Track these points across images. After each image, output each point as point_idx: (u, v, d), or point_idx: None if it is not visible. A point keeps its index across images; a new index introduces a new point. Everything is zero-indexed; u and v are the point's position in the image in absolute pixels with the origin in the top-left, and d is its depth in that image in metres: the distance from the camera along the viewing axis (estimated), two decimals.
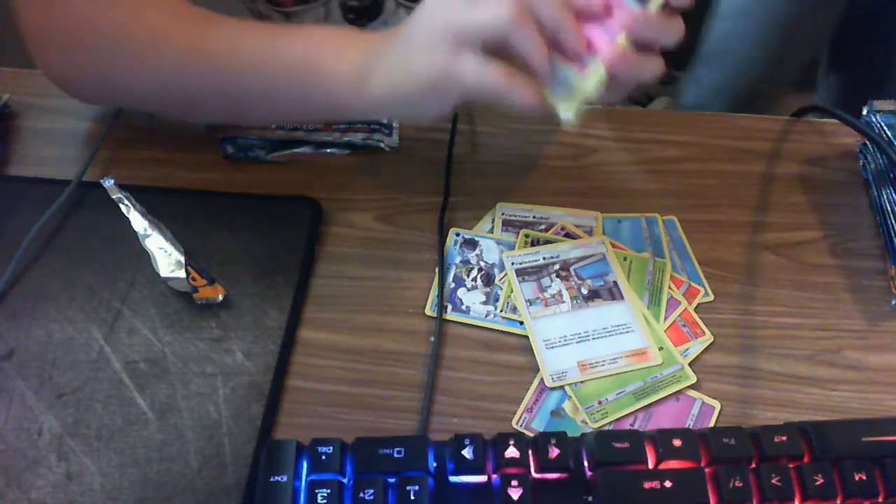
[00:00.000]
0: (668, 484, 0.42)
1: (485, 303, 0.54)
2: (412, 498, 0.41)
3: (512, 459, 0.43)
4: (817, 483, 0.43)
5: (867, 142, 0.62)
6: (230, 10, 0.67)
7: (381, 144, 0.62)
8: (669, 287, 0.55)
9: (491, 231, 0.58)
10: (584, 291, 0.55)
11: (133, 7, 0.52)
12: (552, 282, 0.55)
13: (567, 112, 0.47)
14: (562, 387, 0.50)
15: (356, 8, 0.67)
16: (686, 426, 0.49)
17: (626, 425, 0.49)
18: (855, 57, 1.18)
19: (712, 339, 0.53)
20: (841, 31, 1.14)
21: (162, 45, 0.52)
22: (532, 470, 0.43)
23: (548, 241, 0.57)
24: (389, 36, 0.49)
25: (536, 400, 0.50)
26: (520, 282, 0.55)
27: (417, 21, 0.48)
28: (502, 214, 0.59)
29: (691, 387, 0.51)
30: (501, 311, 0.54)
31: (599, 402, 0.49)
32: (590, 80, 0.46)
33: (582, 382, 0.50)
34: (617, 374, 0.51)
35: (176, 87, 0.53)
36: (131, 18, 0.52)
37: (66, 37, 0.52)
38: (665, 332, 0.53)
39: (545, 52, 0.45)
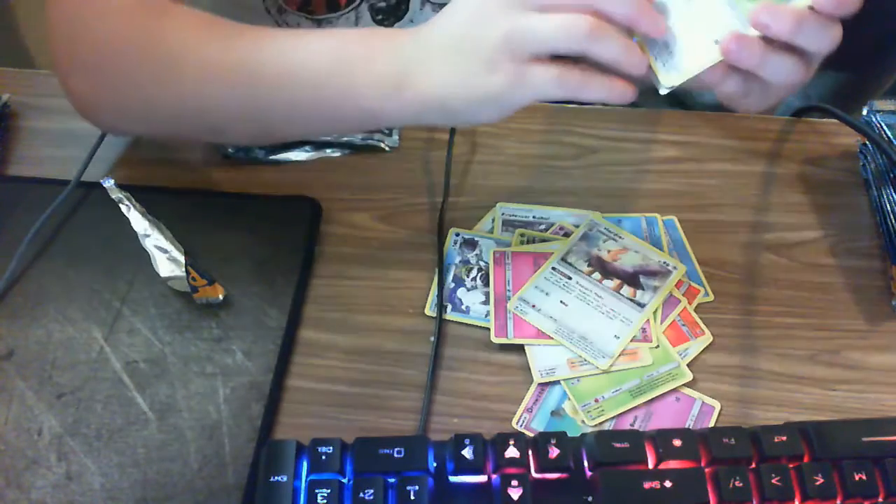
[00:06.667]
0: (668, 484, 0.42)
1: (485, 303, 0.54)
2: (412, 498, 0.41)
3: (512, 459, 0.43)
4: (817, 483, 0.43)
5: (867, 142, 0.62)
6: (258, 25, 0.67)
7: (382, 144, 0.62)
8: None
9: (491, 231, 0.58)
10: None
11: (156, 24, 0.50)
12: None
13: (665, 85, 0.44)
14: (561, 387, 0.50)
15: (383, 9, 0.67)
16: (686, 426, 0.49)
17: (625, 425, 0.49)
18: (855, 56, 1.18)
19: (712, 339, 0.53)
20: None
21: (184, 60, 0.50)
22: (532, 470, 0.43)
23: (543, 240, 0.57)
24: (424, 37, 0.46)
25: (536, 400, 0.50)
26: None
27: (465, 25, 0.44)
28: (502, 214, 0.59)
29: (691, 387, 0.51)
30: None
31: (596, 400, 0.50)
32: (698, 61, 0.43)
33: (578, 380, 0.50)
34: (611, 371, 0.51)
35: (200, 104, 0.51)
36: (155, 36, 0.50)
37: (90, 62, 0.51)
38: (664, 331, 0.53)
39: (636, 53, 0.42)
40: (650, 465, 0.44)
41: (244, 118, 0.51)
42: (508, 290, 0.54)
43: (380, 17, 0.67)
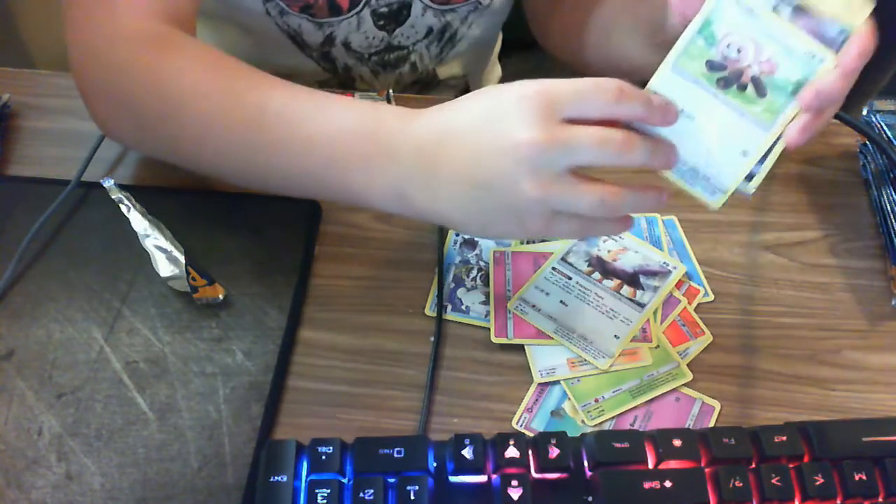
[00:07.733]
0: (668, 484, 0.42)
1: (485, 303, 0.54)
2: (412, 498, 0.41)
3: (512, 459, 0.43)
4: (817, 483, 0.43)
5: (867, 142, 0.62)
6: (260, 27, 0.67)
7: None
8: None
9: None
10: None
11: (162, 61, 0.50)
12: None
13: (714, 208, 0.46)
14: (561, 387, 0.50)
15: (385, 14, 0.67)
16: (686, 426, 0.49)
17: (625, 425, 0.49)
18: None
19: (712, 339, 0.53)
20: None
21: (185, 105, 0.49)
22: (532, 470, 0.43)
23: (543, 240, 0.57)
24: (429, 158, 0.43)
25: (536, 400, 0.50)
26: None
27: (483, 153, 0.41)
28: None
29: (691, 387, 0.51)
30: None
31: (596, 400, 0.50)
32: (736, 176, 0.45)
33: (578, 380, 0.50)
34: (611, 371, 0.51)
35: (198, 151, 0.50)
36: (159, 74, 0.49)
37: (103, 87, 0.52)
38: (664, 331, 0.53)
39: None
40: (650, 465, 0.44)
41: (241, 173, 0.51)
42: (508, 290, 0.54)
43: (381, 22, 0.67)
